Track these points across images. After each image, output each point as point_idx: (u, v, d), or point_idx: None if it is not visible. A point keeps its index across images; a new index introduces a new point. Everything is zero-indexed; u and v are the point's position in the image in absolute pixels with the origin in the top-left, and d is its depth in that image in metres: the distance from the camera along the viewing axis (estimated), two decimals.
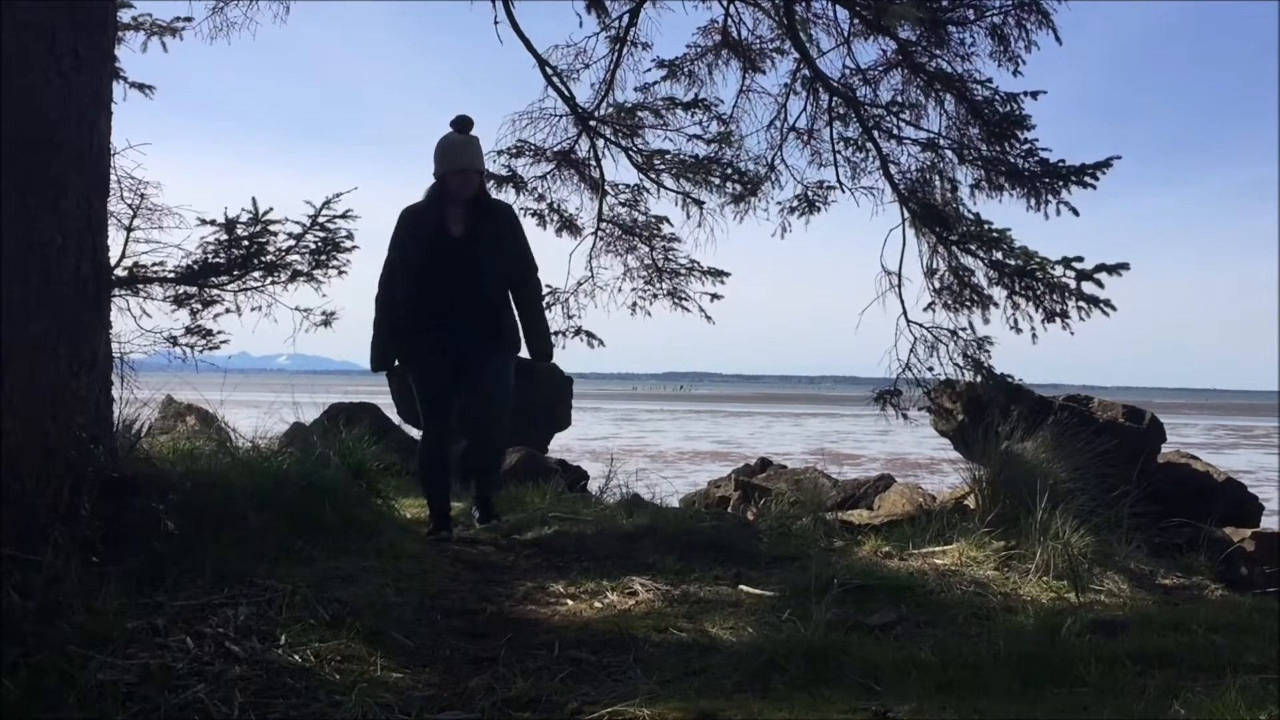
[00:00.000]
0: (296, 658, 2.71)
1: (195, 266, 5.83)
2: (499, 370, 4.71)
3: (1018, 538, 4.70)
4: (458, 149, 4.73)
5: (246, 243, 5.84)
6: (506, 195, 8.37)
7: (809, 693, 2.75)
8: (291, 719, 2.42)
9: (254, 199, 5.77)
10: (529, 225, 7.51)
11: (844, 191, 7.82)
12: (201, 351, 6.08)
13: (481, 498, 5.02)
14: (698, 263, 8.70)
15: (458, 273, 4.62)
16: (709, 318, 8.81)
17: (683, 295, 8.79)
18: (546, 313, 5.25)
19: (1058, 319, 6.76)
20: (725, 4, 7.65)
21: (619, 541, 4.76)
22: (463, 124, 4.78)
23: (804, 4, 7.29)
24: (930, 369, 7.17)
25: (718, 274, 8.75)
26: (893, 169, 7.33)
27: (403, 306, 4.66)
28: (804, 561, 4.49)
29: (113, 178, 4.31)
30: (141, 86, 6.95)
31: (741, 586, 4.03)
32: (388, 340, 4.75)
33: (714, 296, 8.76)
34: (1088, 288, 6.60)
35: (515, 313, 4.81)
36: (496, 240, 4.71)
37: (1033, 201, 6.83)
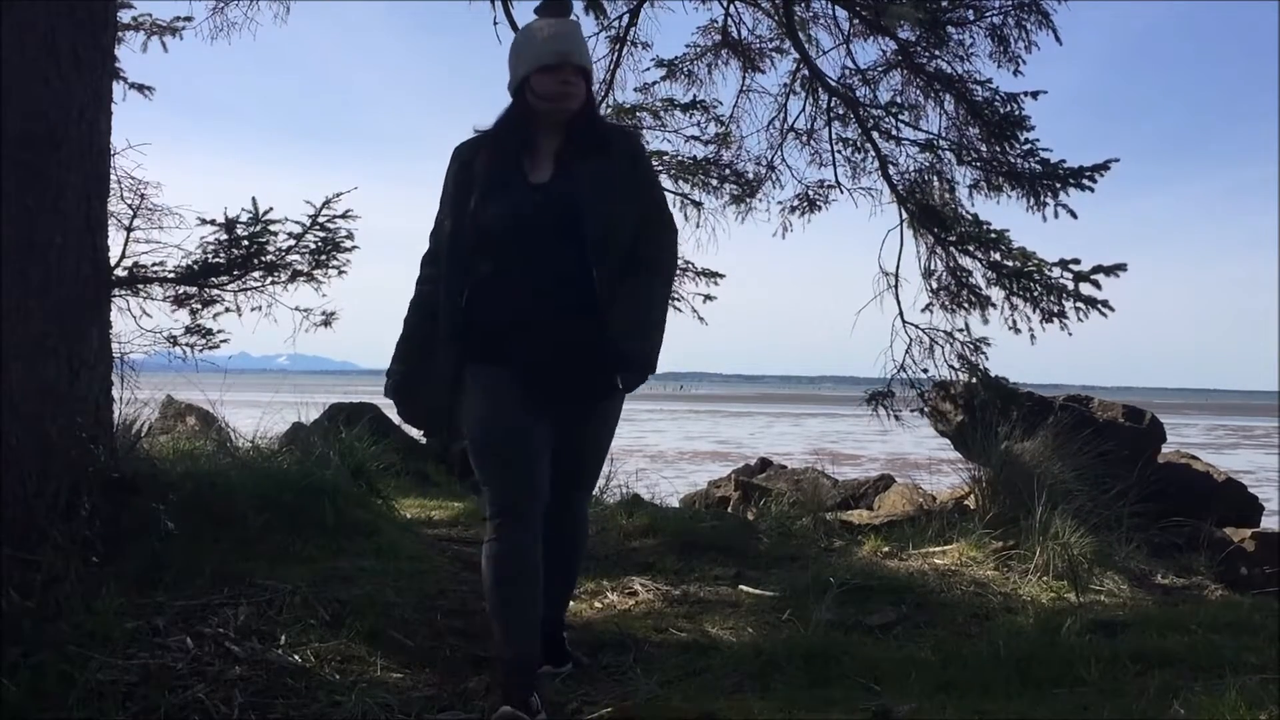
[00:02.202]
0: (296, 658, 2.71)
1: (195, 266, 5.82)
2: (609, 425, 2.84)
3: (1017, 538, 4.70)
4: (548, 34, 2.72)
5: (246, 243, 5.82)
6: None
7: (809, 693, 2.76)
8: (291, 719, 2.42)
9: (254, 199, 5.76)
10: None
11: (843, 192, 7.84)
12: (201, 351, 6.07)
13: (549, 632, 2.88)
14: (691, 263, 8.70)
15: (550, 247, 2.62)
16: (701, 319, 8.81)
17: (676, 295, 8.78)
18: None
19: (1055, 320, 6.77)
20: (725, 4, 7.66)
21: (619, 541, 4.76)
22: (555, 4, 2.81)
23: (803, 4, 7.29)
24: (925, 370, 7.19)
25: (712, 275, 8.75)
26: (891, 170, 7.34)
27: (451, 303, 2.67)
28: (804, 561, 4.50)
29: (113, 178, 4.30)
30: (141, 86, 6.94)
31: (741, 586, 4.04)
32: (415, 348, 2.78)
33: (707, 297, 8.76)
34: (1085, 289, 6.61)
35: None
36: (616, 188, 2.67)
37: (1032, 201, 6.84)
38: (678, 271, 8.88)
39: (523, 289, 2.60)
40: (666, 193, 8.42)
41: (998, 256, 6.89)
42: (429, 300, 2.74)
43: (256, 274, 5.94)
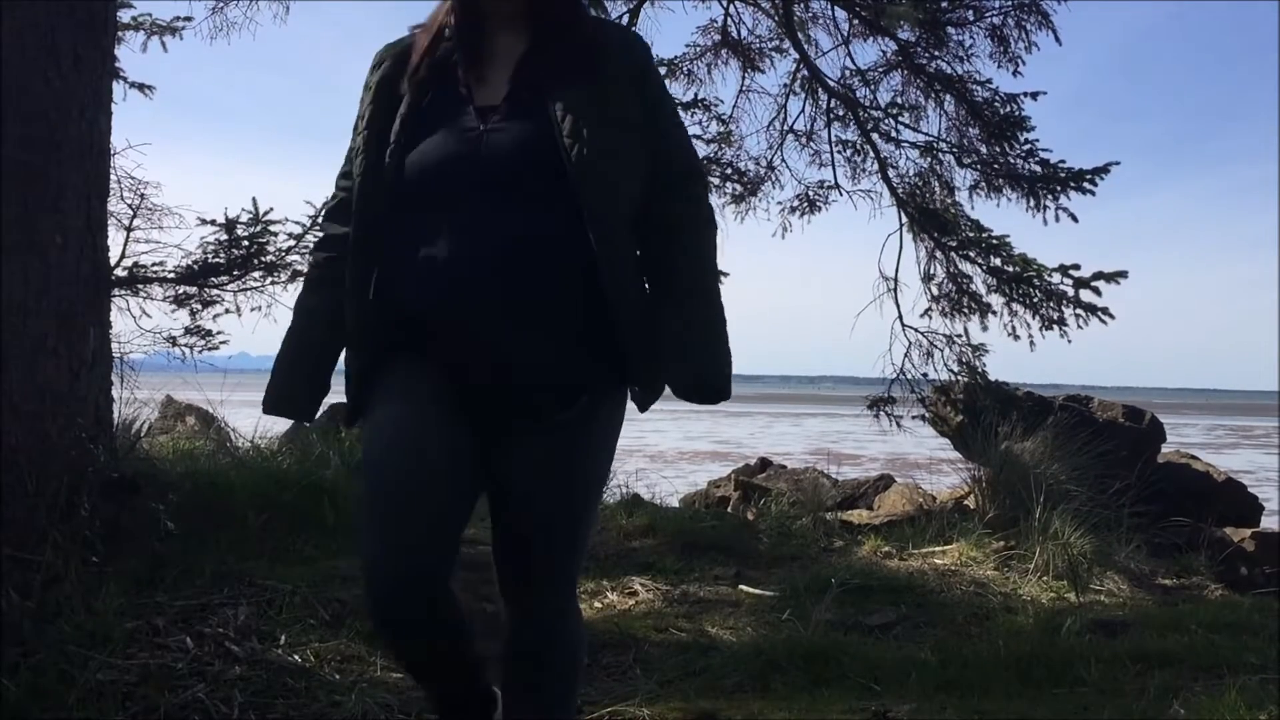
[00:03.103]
0: (296, 658, 2.71)
1: (195, 266, 5.83)
2: (596, 448, 1.80)
3: (1017, 538, 4.71)
4: None
5: (246, 243, 5.83)
6: None
7: (809, 693, 2.76)
8: (291, 719, 2.42)
9: (254, 199, 5.77)
10: None
11: (843, 194, 7.85)
12: (201, 352, 6.08)
13: None
14: None
15: (497, 199, 1.66)
16: None
17: None
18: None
19: (1055, 327, 6.78)
20: (725, 4, 7.66)
21: (619, 541, 4.76)
22: None
23: (803, 4, 7.29)
24: (925, 375, 7.20)
25: (718, 273, 8.76)
26: (891, 172, 7.34)
27: (357, 290, 1.74)
28: (804, 561, 4.50)
29: (113, 178, 4.30)
30: (141, 86, 6.94)
31: (741, 586, 4.04)
32: (305, 346, 1.86)
33: None
34: (1085, 296, 6.62)
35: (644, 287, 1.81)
36: (615, 120, 1.71)
37: (1032, 203, 6.84)
38: None
39: (461, 263, 1.62)
40: None
41: (998, 262, 6.89)
42: (331, 281, 1.79)
43: (256, 274, 5.95)
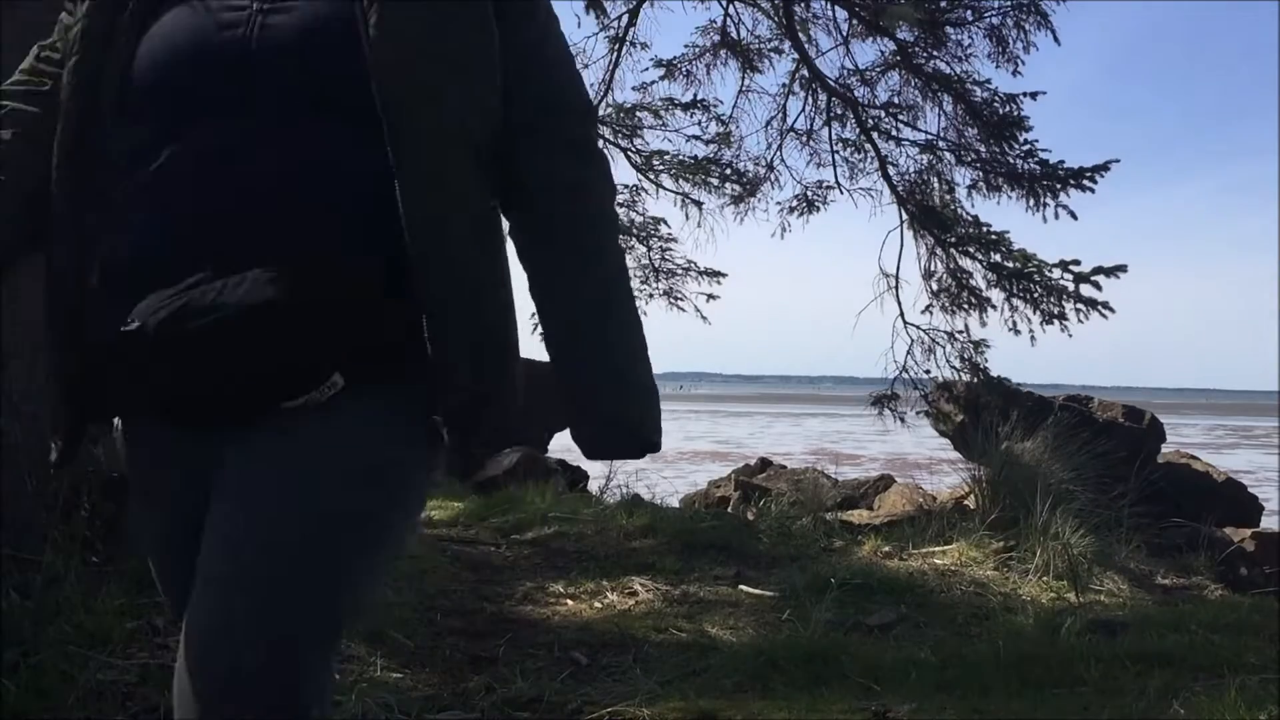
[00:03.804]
0: None
1: None
2: (367, 463, 1.05)
3: (1017, 538, 4.71)
4: None
5: None
6: None
7: (809, 693, 2.76)
8: None
9: None
10: None
11: (843, 193, 7.87)
12: None
13: None
14: (694, 263, 8.75)
15: (268, 113, 1.05)
16: (704, 318, 8.85)
17: (679, 295, 8.83)
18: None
19: (1056, 321, 6.80)
20: (724, 4, 7.67)
21: (619, 541, 4.76)
22: None
23: (803, 4, 7.30)
24: (927, 371, 7.23)
25: (714, 274, 8.78)
26: (891, 170, 7.36)
27: (62, 243, 1.17)
28: (804, 561, 4.50)
29: None
30: None
31: (741, 586, 4.04)
32: None
33: (710, 297, 8.80)
34: (1085, 290, 6.65)
35: (504, 274, 1.18)
36: (448, 10, 1.10)
37: (1031, 202, 6.86)
38: (680, 272, 9.12)
39: (175, 227, 1.06)
40: (667, 191, 8.57)
41: (998, 258, 6.92)
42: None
43: None
